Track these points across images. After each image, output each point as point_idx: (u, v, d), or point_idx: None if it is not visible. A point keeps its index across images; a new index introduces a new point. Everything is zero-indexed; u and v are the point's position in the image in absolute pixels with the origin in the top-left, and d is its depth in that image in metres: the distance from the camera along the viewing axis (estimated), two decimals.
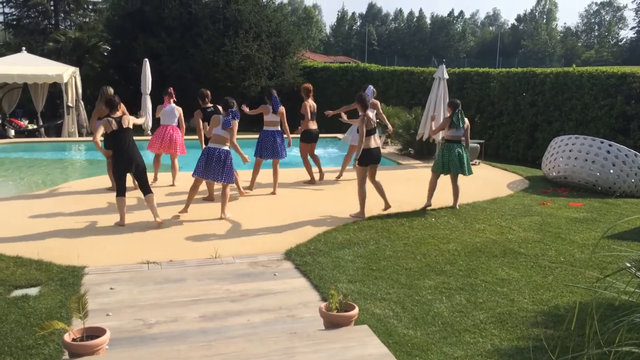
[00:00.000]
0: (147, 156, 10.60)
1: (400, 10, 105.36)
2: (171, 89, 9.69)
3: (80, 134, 16.62)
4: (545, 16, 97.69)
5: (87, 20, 24.23)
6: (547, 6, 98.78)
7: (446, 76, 11.86)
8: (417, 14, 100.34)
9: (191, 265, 5.83)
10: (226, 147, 7.36)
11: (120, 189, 7.04)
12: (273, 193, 9.02)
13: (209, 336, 4.29)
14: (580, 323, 4.21)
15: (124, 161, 6.95)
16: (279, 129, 9.06)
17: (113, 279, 5.37)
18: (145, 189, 7.11)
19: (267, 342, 3.69)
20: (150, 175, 9.74)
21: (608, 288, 3.15)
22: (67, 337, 3.47)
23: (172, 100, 9.51)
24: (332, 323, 3.90)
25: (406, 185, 9.70)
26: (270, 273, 5.64)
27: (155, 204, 7.15)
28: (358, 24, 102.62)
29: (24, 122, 17.00)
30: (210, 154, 7.27)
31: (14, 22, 23.37)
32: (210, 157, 7.26)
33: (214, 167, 7.24)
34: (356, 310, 3.95)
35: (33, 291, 4.97)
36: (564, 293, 5.17)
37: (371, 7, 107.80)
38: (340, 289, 5.02)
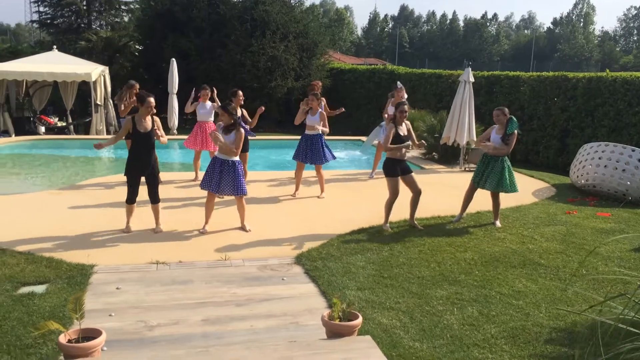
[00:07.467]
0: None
1: (433, 13, 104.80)
2: (206, 88, 9.74)
3: (108, 132, 16.85)
4: (582, 20, 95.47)
5: (119, 20, 24.62)
6: (584, 9, 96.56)
7: (472, 79, 11.58)
8: (450, 16, 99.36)
9: (200, 266, 5.77)
10: (234, 158, 6.82)
11: (130, 196, 6.79)
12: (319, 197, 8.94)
13: (209, 341, 4.21)
14: (598, 341, 3.98)
15: (135, 164, 6.74)
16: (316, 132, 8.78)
17: (121, 279, 5.34)
18: (153, 197, 6.85)
19: (265, 350, 3.59)
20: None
21: (631, 306, 2.94)
22: (63, 338, 3.43)
23: (209, 98, 9.67)
24: (334, 332, 3.78)
25: (426, 190, 9.41)
26: (278, 277, 5.54)
27: (160, 214, 6.96)
28: (390, 25, 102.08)
29: (54, 119, 17.33)
30: (217, 165, 6.78)
31: (48, 21, 23.87)
32: (218, 169, 6.78)
33: (225, 180, 6.75)
34: (359, 320, 3.82)
35: (40, 289, 4.97)
36: (583, 308, 4.91)
37: (403, 9, 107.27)
38: (347, 297, 4.88)
